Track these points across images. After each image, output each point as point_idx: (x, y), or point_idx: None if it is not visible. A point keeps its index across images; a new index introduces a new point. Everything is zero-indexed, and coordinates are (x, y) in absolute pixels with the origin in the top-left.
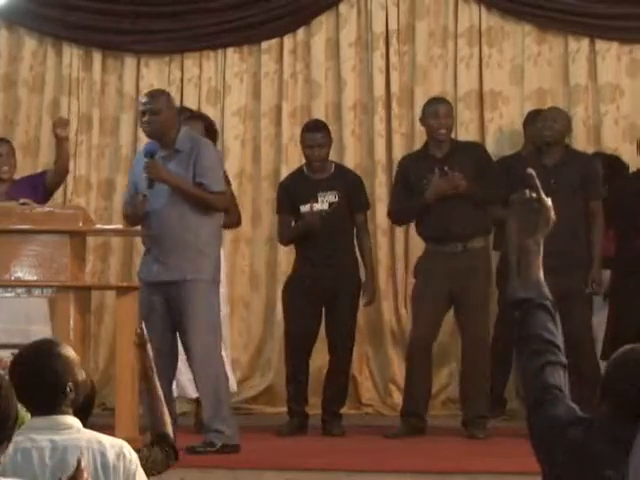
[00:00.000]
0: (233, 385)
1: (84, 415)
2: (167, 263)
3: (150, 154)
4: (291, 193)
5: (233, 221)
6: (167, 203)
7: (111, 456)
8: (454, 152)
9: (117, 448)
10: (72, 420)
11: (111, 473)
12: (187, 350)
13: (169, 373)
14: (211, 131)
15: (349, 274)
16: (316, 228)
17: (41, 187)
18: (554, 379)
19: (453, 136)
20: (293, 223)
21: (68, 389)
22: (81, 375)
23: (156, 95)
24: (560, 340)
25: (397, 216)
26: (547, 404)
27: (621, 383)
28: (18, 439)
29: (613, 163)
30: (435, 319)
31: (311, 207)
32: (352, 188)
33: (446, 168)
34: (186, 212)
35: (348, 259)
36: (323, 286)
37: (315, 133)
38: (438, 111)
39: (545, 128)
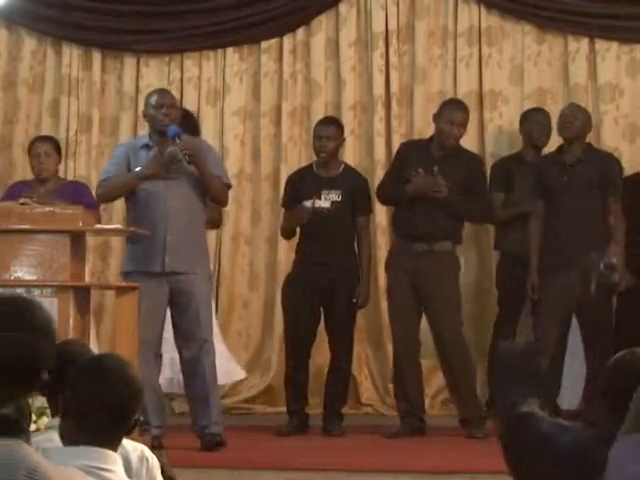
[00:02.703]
0: (241, 373)
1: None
2: (178, 254)
3: (178, 135)
4: (297, 188)
5: (215, 220)
6: (186, 193)
7: (134, 459)
8: (451, 156)
9: (139, 451)
10: None
11: (134, 476)
12: (187, 340)
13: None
14: (191, 121)
15: (348, 273)
16: (302, 222)
17: (88, 194)
18: (530, 408)
19: None
20: None
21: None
22: None
23: (168, 92)
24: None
25: (381, 197)
26: (529, 426)
27: (623, 386)
28: (38, 439)
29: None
30: (411, 315)
31: (313, 203)
32: (357, 190)
33: (435, 169)
34: (199, 204)
35: (347, 258)
36: (322, 284)
37: (326, 125)
38: (455, 119)
39: (565, 124)
